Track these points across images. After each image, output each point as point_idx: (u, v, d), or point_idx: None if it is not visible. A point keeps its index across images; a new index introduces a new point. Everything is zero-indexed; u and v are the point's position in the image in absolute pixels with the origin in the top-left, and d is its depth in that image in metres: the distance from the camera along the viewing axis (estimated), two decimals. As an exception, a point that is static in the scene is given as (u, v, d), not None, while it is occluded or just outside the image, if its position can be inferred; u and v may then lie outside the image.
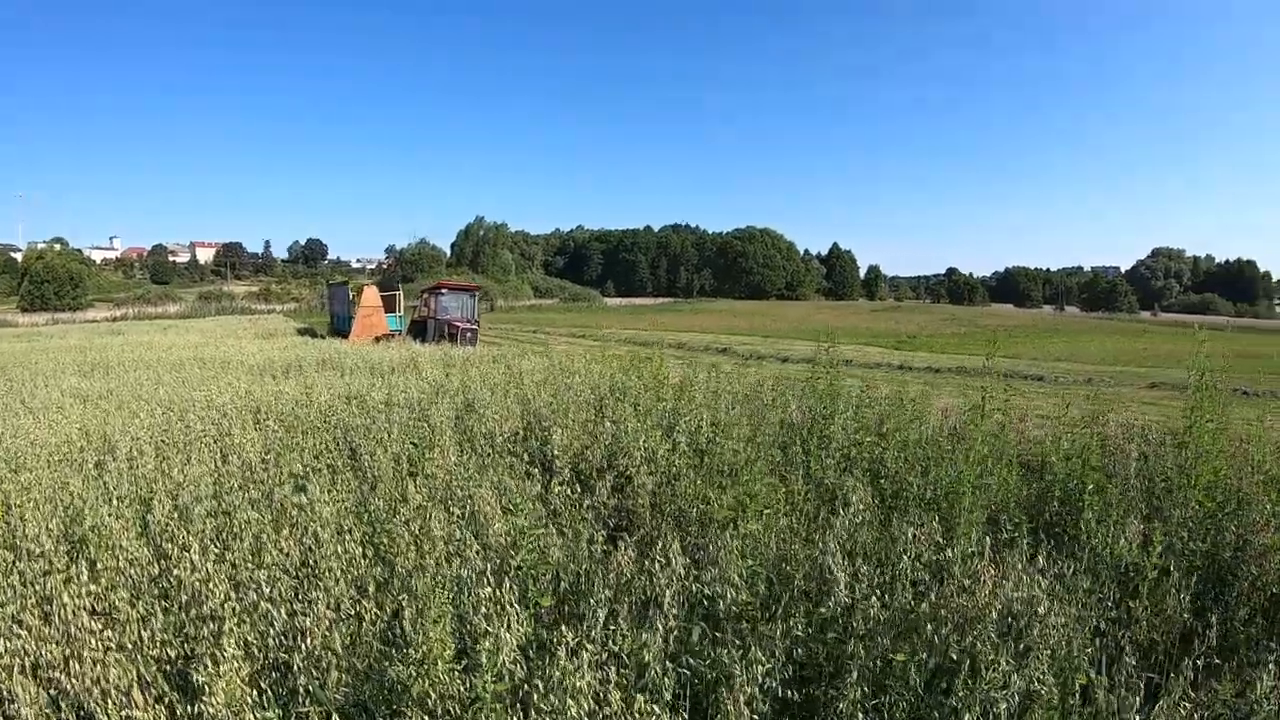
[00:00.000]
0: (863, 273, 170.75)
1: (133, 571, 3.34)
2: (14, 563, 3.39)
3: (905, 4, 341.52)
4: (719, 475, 5.05)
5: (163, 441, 6.53)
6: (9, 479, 5.16)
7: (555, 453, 5.35)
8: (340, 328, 31.81)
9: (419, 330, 28.41)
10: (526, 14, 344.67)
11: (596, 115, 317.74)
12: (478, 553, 3.55)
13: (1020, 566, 3.88)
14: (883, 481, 5.61)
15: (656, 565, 3.40)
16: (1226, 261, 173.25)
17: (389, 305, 30.61)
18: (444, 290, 29.58)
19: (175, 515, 4.00)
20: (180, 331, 33.66)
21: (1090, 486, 5.09)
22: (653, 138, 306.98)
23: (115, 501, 4.12)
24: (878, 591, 3.52)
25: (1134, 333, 56.68)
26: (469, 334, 26.03)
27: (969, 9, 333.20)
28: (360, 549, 3.40)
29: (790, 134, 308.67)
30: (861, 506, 4.34)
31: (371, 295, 29.57)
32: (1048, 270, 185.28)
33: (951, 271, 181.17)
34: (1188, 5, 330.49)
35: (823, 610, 3.48)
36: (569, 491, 4.43)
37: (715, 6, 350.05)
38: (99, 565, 3.29)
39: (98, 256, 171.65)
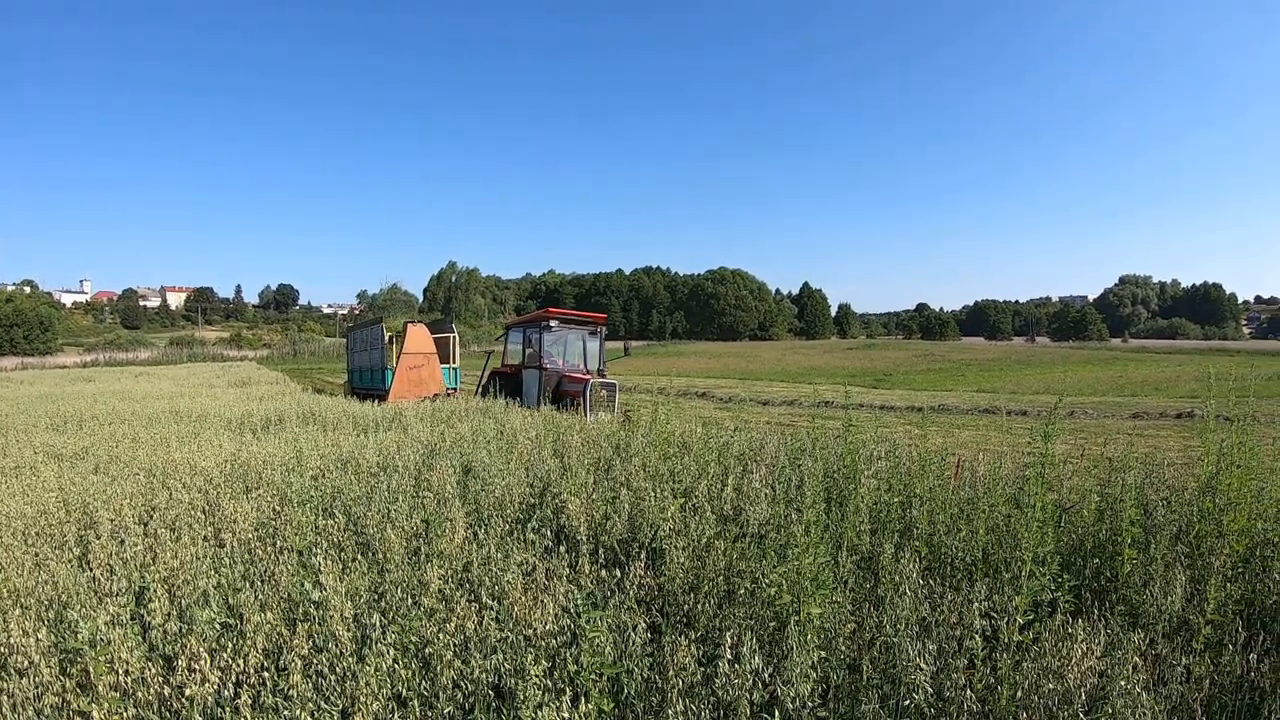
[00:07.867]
0: (834, 310, 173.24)
1: (139, 693, 3.01)
2: (-2, 679, 3.04)
3: (861, 42, 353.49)
4: (751, 543, 4.81)
5: (147, 512, 6.15)
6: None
7: (573, 524, 5.07)
8: (367, 384, 22.76)
9: (510, 386, 17.18)
10: (493, 58, 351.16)
11: (567, 159, 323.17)
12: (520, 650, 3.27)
13: (1083, 636, 3.71)
14: (916, 543, 5.42)
15: (726, 664, 3.14)
16: (1193, 286, 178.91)
17: (441, 353, 22.10)
18: (552, 322, 17.25)
19: (175, 614, 3.67)
20: (152, 379, 32.68)
21: (1129, 540, 4.94)
22: (625, 181, 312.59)
23: (107, 601, 3.77)
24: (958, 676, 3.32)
25: (1106, 361, 57.80)
26: (605, 394, 15.50)
27: (932, 48, 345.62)
28: (394, 655, 3.09)
29: (758, 175, 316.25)
30: (916, 577, 4.15)
31: (421, 337, 20.53)
32: (1017, 302, 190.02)
33: (922, 307, 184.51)
34: (1144, 40, 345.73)
35: (908, 703, 3.26)
36: (604, 574, 4.16)
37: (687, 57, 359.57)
38: (99, 688, 2.95)
39: (68, 300, 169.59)
